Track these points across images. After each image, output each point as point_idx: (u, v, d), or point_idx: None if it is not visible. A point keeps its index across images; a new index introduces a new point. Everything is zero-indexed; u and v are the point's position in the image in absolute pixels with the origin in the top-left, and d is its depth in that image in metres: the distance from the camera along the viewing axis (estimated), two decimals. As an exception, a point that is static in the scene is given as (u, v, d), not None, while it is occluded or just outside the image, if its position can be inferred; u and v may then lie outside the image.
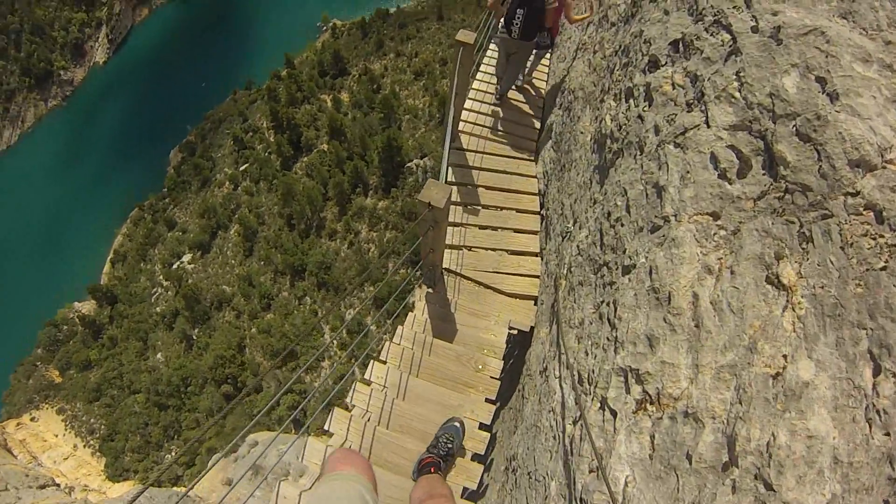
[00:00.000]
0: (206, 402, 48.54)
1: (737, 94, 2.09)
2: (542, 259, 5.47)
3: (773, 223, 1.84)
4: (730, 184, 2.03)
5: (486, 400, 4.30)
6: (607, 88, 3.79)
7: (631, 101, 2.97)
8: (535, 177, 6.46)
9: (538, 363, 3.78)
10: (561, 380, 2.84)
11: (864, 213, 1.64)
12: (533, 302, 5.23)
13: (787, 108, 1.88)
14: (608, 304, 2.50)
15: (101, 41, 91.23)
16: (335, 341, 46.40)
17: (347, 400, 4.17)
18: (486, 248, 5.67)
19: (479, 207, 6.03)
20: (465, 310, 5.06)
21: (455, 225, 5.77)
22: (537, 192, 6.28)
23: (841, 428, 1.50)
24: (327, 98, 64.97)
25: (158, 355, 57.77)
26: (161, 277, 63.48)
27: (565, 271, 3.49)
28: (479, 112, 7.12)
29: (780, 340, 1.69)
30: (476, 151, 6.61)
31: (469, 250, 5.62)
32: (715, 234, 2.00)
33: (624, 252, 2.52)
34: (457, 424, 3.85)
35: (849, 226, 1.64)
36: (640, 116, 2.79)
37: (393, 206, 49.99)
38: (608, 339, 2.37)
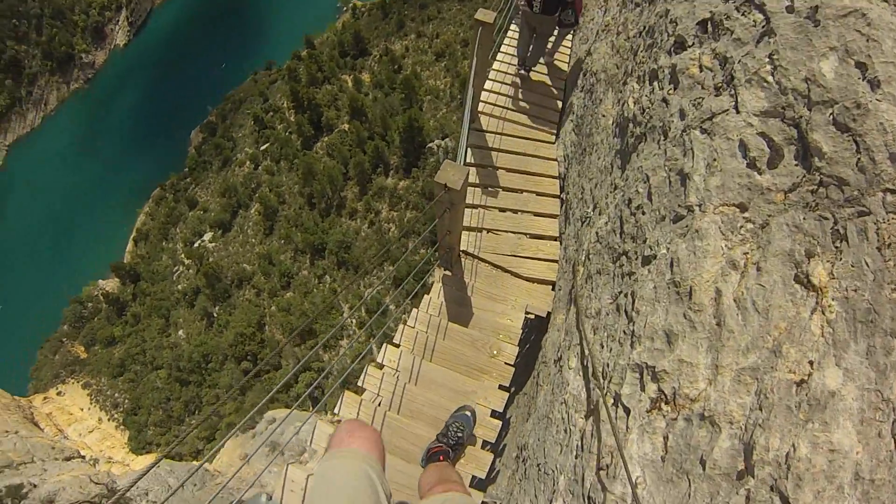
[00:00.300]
0: (226, 379, 49.19)
1: (769, 79, 1.95)
2: (560, 243, 5.38)
3: (804, 218, 1.71)
4: (759, 174, 1.90)
5: (500, 387, 4.24)
6: (630, 71, 3.66)
7: (655, 83, 2.84)
8: (556, 160, 6.34)
9: (553, 351, 3.70)
10: (574, 371, 2.76)
11: (905, 212, 1.52)
12: (551, 287, 5.15)
13: (824, 95, 1.74)
14: (626, 296, 2.40)
15: (121, 24, 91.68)
16: (353, 320, 46.67)
17: (359, 383, 4.13)
18: (505, 231, 5.59)
19: (499, 189, 5.94)
20: (482, 293, 5.00)
21: (473, 207, 5.69)
22: (557, 175, 6.17)
23: (865, 443, 1.42)
24: (348, 78, 64.73)
25: (180, 332, 58.66)
26: (182, 256, 64.20)
27: (583, 258, 3.39)
28: (499, 93, 6.99)
29: (806, 345, 1.59)
30: (496, 133, 6.50)
31: (487, 233, 5.55)
32: (742, 227, 1.88)
33: (644, 241, 2.41)
34: (468, 413, 3.78)
35: (887, 225, 1.52)
36: (664, 100, 2.66)
37: (413, 186, 49.76)
38: (625, 332, 2.27)
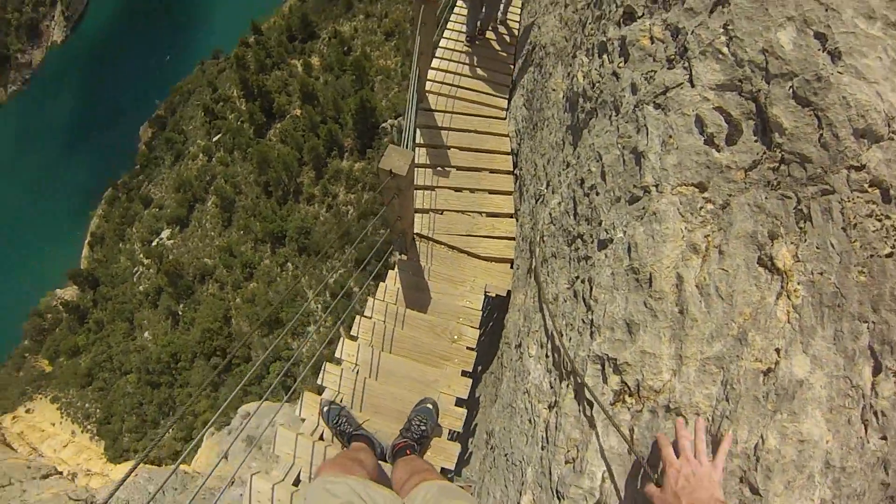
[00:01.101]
0: (197, 376, 48.93)
1: (724, 50, 1.83)
2: (516, 220, 5.28)
3: (766, 197, 1.62)
4: (718, 151, 1.79)
5: (463, 373, 4.14)
6: (579, 44, 3.52)
7: (605, 56, 2.71)
8: (508, 136, 6.21)
9: (514, 334, 3.61)
10: (535, 360, 2.66)
11: (870, 190, 1.43)
12: (509, 265, 5.06)
13: (783, 67, 1.63)
14: (583, 282, 2.29)
15: (57, 20, 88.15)
16: (318, 305, 46.52)
17: (318, 381, 3.99)
18: (459, 211, 5.46)
19: (451, 169, 5.80)
20: (439, 276, 4.87)
21: (425, 188, 5.55)
22: (510, 151, 6.05)
23: (835, 430, 1.38)
24: (297, 63, 63.61)
25: (146, 334, 58.03)
26: (141, 256, 63.15)
27: (538, 239, 3.28)
28: (447, 71, 6.81)
29: (772, 332, 1.50)
30: (445, 111, 6.34)
31: (441, 214, 5.41)
32: (701, 207, 1.77)
33: (600, 224, 2.30)
34: (429, 406, 3.66)
35: (852, 204, 1.44)
36: (614, 73, 2.54)
37: (369, 167, 49.47)
38: (583, 321, 2.17)
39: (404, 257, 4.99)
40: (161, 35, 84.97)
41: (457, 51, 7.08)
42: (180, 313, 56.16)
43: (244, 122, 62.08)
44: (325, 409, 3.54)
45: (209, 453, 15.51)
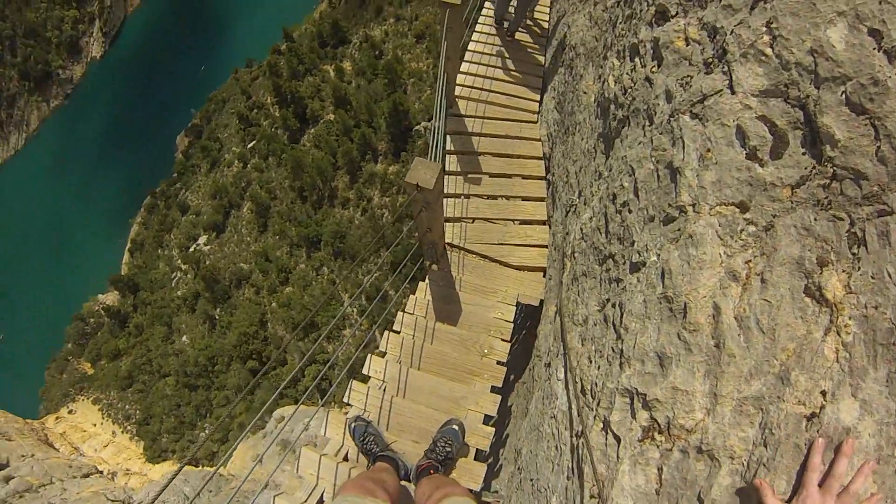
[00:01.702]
0: (233, 380, 49.55)
1: (768, 51, 1.63)
2: (549, 228, 5.15)
3: (815, 219, 1.43)
4: (761, 166, 1.60)
5: (492, 389, 4.01)
6: (610, 44, 3.37)
7: (637, 59, 2.54)
8: (540, 140, 6.09)
9: (545, 350, 3.48)
10: (563, 384, 2.52)
11: (935, 212, 1.25)
12: (542, 274, 4.93)
13: (835, 70, 1.43)
14: (614, 306, 2.15)
15: (95, 36, 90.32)
16: (354, 308, 46.70)
17: (344, 399, 3.91)
18: (491, 219, 5.36)
19: (482, 176, 5.69)
20: (471, 287, 4.77)
21: (456, 196, 5.45)
22: (542, 155, 5.92)
23: (881, 482, 1.23)
24: (329, 68, 63.99)
25: (184, 338, 59.07)
26: (179, 261, 64.42)
27: (570, 252, 3.13)
28: (476, 75, 6.71)
29: (818, 372, 1.34)
30: (475, 117, 6.23)
31: (472, 222, 5.31)
32: (742, 230, 1.60)
33: (632, 245, 2.14)
34: (455, 427, 3.55)
35: (914, 228, 1.26)
36: (647, 79, 2.37)
37: (403, 169, 49.44)
38: (613, 349, 2.03)
39: (435, 267, 4.90)
40: (195, 46, 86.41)
41: (486, 53, 6.97)
42: (217, 317, 56.88)
43: (278, 129, 62.71)
44: (352, 425, 3.50)
45: (244, 456, 15.61)
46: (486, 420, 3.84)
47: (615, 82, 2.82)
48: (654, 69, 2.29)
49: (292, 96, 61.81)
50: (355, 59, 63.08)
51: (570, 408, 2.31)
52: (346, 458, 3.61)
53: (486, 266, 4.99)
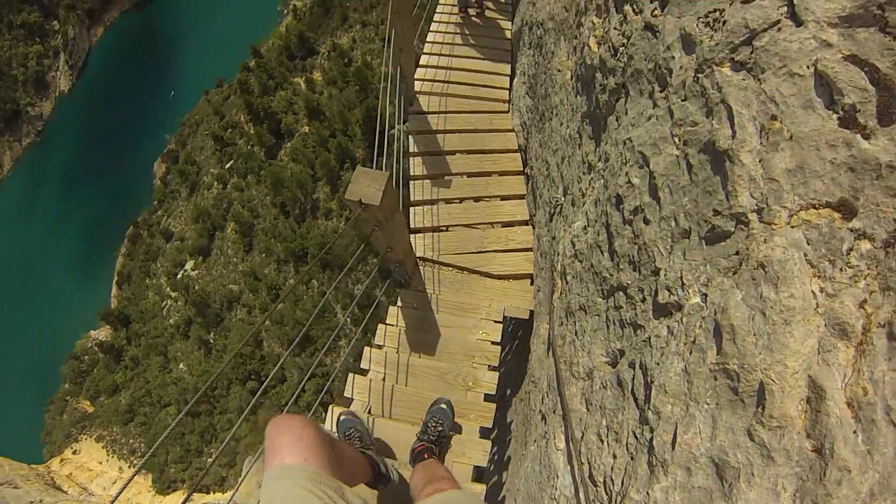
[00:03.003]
0: (234, 402, 49.40)
1: None
2: (533, 228, 4.56)
3: None
4: (866, 137, 0.95)
5: (481, 431, 3.39)
6: (583, 7, 2.76)
7: (627, 7, 1.92)
8: (514, 130, 5.49)
9: (540, 383, 2.86)
10: (563, 458, 1.87)
11: None
12: (529, 281, 4.35)
13: None
14: (632, 367, 1.51)
15: (62, 69, 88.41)
16: (348, 319, 46.33)
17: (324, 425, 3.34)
18: (467, 225, 4.78)
19: (452, 177, 5.10)
20: (449, 306, 4.18)
21: (424, 203, 4.85)
22: (518, 147, 5.33)
23: None
24: (300, 80, 63.53)
25: (181, 365, 58.50)
26: (168, 289, 63.77)
27: (560, 268, 2.49)
28: (438, 67, 6.12)
29: None
30: (440, 112, 5.65)
31: (446, 230, 4.73)
32: (850, 249, 0.94)
33: (655, 274, 1.50)
34: (443, 406, 3.33)
35: None
36: (648, 27, 1.74)
37: (394, 169, 48.96)
38: (636, 436, 1.38)
39: (406, 287, 4.30)
40: (164, 70, 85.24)
41: (447, 43, 6.38)
42: (212, 342, 56.45)
43: (254, 146, 62.14)
44: (342, 418, 3.28)
45: (249, 483, 15.19)
46: (477, 473, 3.22)
47: (599, 44, 2.19)
48: (655, 12, 1.65)
49: (265, 112, 61.48)
50: (325, 68, 62.64)
51: (576, 494, 1.67)
52: None
53: (465, 279, 4.40)
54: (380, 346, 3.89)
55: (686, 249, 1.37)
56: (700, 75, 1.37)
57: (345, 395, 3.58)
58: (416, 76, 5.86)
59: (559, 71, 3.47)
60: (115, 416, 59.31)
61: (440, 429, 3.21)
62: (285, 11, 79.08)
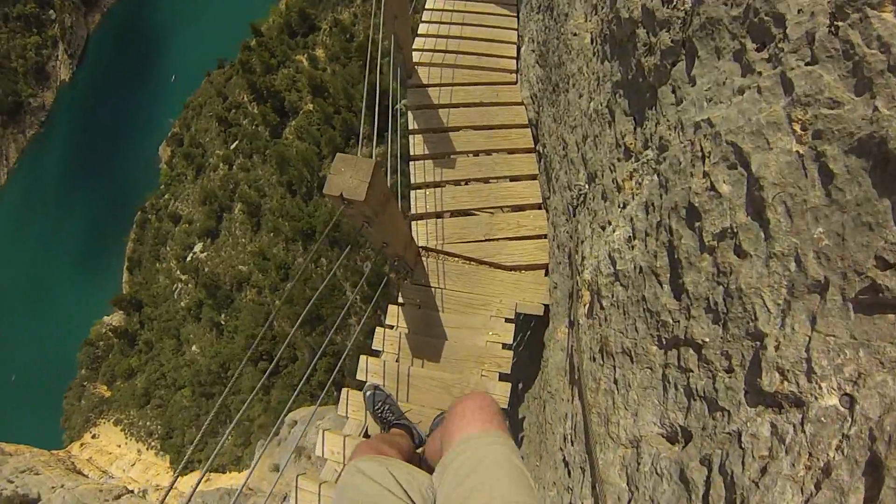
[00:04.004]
0: (248, 382, 49.48)
1: None
2: (547, 213, 4.09)
3: None
4: None
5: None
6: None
7: None
8: (523, 103, 4.98)
9: (556, 412, 2.41)
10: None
11: None
12: (543, 272, 3.89)
13: None
14: (706, 466, 1.06)
15: (61, 59, 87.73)
16: (358, 297, 46.21)
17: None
18: (474, 210, 4.34)
19: (456, 156, 4.62)
20: (455, 302, 3.74)
21: (426, 186, 4.38)
22: (527, 122, 4.82)
23: None
24: (302, 58, 62.84)
25: (193, 347, 59.20)
26: (178, 272, 64.13)
27: (589, 279, 1.98)
28: (438, 36, 5.59)
29: None
30: (441, 85, 5.14)
31: (450, 216, 4.27)
32: None
33: (756, 339, 1.02)
34: None
35: None
36: None
37: (389, 151, 48.47)
38: None
39: (407, 281, 3.86)
40: (164, 54, 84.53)
41: (448, 10, 5.84)
42: (223, 323, 56.88)
43: (258, 126, 61.74)
44: (369, 393, 3.18)
45: (260, 466, 15.21)
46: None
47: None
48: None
49: (268, 91, 61.00)
50: (327, 45, 61.82)
51: None
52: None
53: (473, 271, 3.94)
54: (377, 354, 3.46)
55: (818, 314, 0.88)
56: (841, 24, 0.89)
57: (339, 412, 3.18)
58: (414, 46, 5.35)
59: (575, 35, 2.98)
60: (132, 400, 60.18)
61: None
62: (285, -12, 78.04)
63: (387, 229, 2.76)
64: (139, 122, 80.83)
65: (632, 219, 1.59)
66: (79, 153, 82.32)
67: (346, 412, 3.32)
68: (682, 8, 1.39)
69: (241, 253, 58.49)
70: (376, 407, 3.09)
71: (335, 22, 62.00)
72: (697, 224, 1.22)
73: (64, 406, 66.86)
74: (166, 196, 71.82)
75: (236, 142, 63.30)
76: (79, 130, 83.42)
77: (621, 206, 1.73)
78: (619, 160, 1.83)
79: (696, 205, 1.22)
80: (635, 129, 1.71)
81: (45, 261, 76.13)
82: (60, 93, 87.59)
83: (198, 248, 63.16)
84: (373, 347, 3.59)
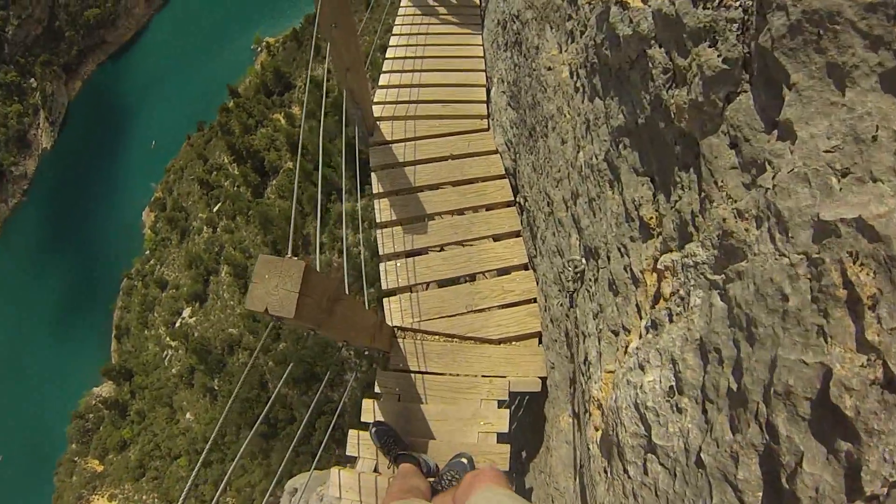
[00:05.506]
0: (246, 448, 48.22)
1: None
2: (535, 273, 3.59)
3: None
4: None
5: None
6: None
7: None
8: (497, 151, 4.52)
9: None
10: None
11: None
12: (537, 340, 3.38)
13: None
14: None
15: (42, 126, 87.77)
16: (351, 352, 45.76)
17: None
18: (451, 280, 3.81)
19: (428, 219, 4.12)
20: (438, 388, 3.25)
21: (396, 257, 3.88)
22: (504, 172, 4.35)
23: None
24: (280, 116, 63.67)
25: (187, 415, 57.73)
26: (168, 339, 63.05)
27: (595, 394, 1.44)
28: (401, 86, 5.18)
29: None
30: (406, 140, 4.68)
31: (426, 289, 3.76)
32: None
33: None
34: (464, 461, 2.94)
35: None
36: None
37: (370, 203, 48.65)
38: None
39: (382, 370, 3.34)
40: (144, 119, 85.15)
41: (409, 57, 5.45)
42: (217, 388, 55.46)
43: (240, 186, 62.01)
44: (374, 430, 3.18)
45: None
46: None
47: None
48: None
49: (248, 151, 61.42)
50: (303, 102, 62.71)
51: None
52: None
53: (457, 349, 3.42)
54: (352, 467, 2.92)
55: None
56: None
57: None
58: (375, 99, 4.92)
59: (550, 69, 2.53)
60: (126, 473, 58.46)
61: (458, 479, 2.85)
62: (259, 49, 79.40)
63: (341, 329, 2.23)
64: (121, 187, 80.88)
65: (673, 359, 1.03)
66: (62, 221, 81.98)
67: (358, 452, 3.21)
68: (739, 3, 0.88)
69: (231, 315, 57.76)
70: (383, 441, 3.13)
71: (309, 78, 63.14)
72: (752, 339, 0.67)
73: (55, 483, 64.73)
74: (152, 262, 71.37)
75: (219, 204, 63.35)
76: (61, 198, 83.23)
77: (651, 323, 1.18)
78: (632, 239, 1.31)
79: (767, 302, 0.66)
80: (655, 196, 1.19)
81: (30, 332, 74.84)
82: (42, 161, 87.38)
83: (186, 312, 62.44)
84: (347, 453, 3.10)
